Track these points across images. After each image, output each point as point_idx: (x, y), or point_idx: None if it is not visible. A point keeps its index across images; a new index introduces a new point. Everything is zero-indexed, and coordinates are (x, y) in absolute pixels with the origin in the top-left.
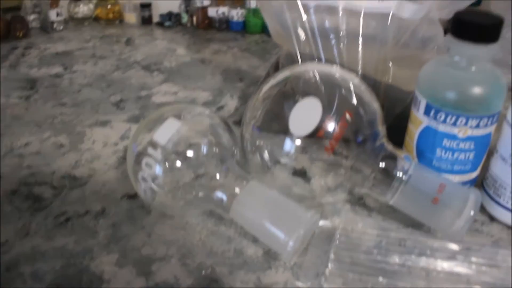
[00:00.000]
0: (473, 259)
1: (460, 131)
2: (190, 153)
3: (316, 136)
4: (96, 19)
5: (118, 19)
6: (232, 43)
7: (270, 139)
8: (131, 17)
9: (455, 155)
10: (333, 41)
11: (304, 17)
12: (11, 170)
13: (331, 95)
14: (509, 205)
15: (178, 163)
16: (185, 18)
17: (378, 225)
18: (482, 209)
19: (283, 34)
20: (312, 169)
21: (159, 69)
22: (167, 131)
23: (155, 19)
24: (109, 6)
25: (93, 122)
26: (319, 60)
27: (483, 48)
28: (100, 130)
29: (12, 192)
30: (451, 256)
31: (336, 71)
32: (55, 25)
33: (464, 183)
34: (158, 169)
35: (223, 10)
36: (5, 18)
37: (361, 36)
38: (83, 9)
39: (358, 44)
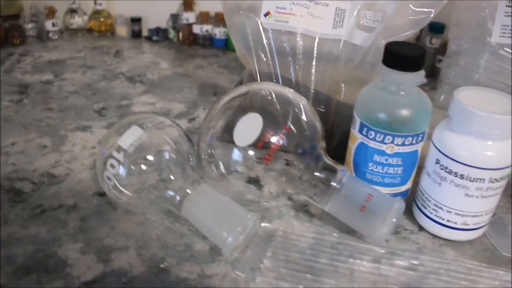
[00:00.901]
0: (395, 262)
1: (388, 148)
2: (150, 157)
3: (256, 146)
4: (90, 30)
5: (110, 31)
6: (213, 59)
7: (225, 150)
8: (122, 30)
9: (385, 169)
10: (290, 61)
11: (264, 38)
12: None
13: (279, 111)
14: (433, 216)
15: (139, 166)
16: (171, 33)
17: (316, 230)
18: (413, 219)
19: (246, 54)
20: (265, 177)
21: (141, 81)
22: (130, 137)
23: (145, 33)
24: (102, 19)
25: (75, 127)
26: (276, 77)
27: (409, 75)
28: (80, 134)
29: None
30: (376, 259)
31: (288, 91)
32: (50, 35)
33: (395, 195)
34: (120, 170)
35: (207, 27)
36: (3, 25)
37: (315, 58)
38: (77, 21)
39: (312, 65)
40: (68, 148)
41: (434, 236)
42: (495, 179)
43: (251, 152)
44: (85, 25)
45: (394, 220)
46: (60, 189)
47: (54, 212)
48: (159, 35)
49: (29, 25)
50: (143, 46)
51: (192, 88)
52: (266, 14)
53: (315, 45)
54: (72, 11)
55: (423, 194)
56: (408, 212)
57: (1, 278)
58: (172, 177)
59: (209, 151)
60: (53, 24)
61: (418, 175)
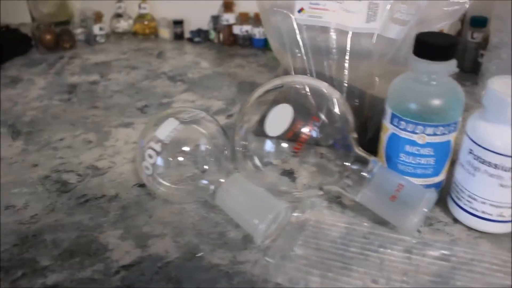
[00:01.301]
0: (427, 252)
1: (419, 138)
2: (186, 149)
3: (286, 136)
4: (134, 33)
5: (153, 34)
6: (252, 59)
7: (260, 143)
8: (165, 33)
9: (417, 160)
10: (324, 56)
11: (298, 35)
12: (46, 160)
13: (311, 103)
14: (467, 208)
15: (176, 157)
16: (212, 34)
17: (348, 221)
18: (447, 211)
19: (281, 51)
20: (299, 169)
21: (182, 80)
22: (166, 129)
23: (187, 35)
24: (146, 22)
25: (119, 123)
26: (311, 73)
27: (440, 65)
28: (123, 130)
29: (45, 177)
30: (407, 249)
31: (321, 84)
32: (97, 38)
33: (428, 186)
34: (158, 160)
35: (246, 28)
36: (55, 31)
37: (349, 52)
38: (123, 25)
39: (346, 60)
40: (112, 143)
41: (469, 228)
42: None
43: (284, 144)
44: (130, 29)
45: (425, 210)
46: (103, 181)
47: (96, 202)
48: (200, 36)
49: (79, 30)
50: (185, 47)
51: (231, 86)
52: (300, 10)
53: (349, 39)
54: (118, 16)
55: (457, 186)
56: (443, 204)
57: (47, 260)
58: (207, 168)
59: (243, 144)
60: (100, 28)
61: (453, 166)
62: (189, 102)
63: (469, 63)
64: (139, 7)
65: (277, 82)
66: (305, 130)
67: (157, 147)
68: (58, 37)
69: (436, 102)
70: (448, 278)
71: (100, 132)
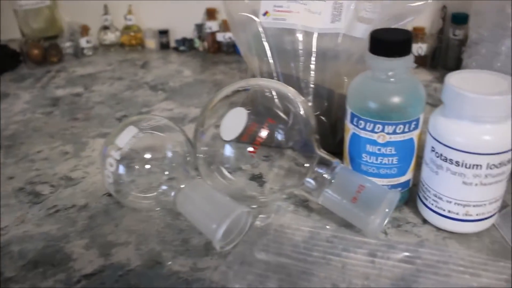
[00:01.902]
0: (391, 255)
1: (379, 137)
2: (147, 156)
3: (241, 140)
4: (122, 45)
5: (140, 45)
6: (235, 65)
7: (219, 146)
8: (151, 43)
9: (379, 159)
10: (290, 59)
11: (264, 38)
12: (22, 172)
13: (267, 106)
14: (434, 207)
15: (136, 165)
16: (197, 43)
17: (312, 224)
18: (417, 212)
19: (248, 55)
20: (268, 174)
21: (163, 89)
22: (126, 136)
23: (172, 44)
24: (132, 33)
25: (97, 134)
26: (278, 75)
27: (397, 61)
28: (100, 140)
29: (19, 189)
30: (371, 252)
31: (286, 88)
32: (85, 51)
33: (394, 187)
34: (119, 169)
35: (229, 35)
36: (42, 45)
37: (315, 53)
38: (110, 37)
39: (312, 61)
40: (88, 154)
41: (438, 229)
42: (494, 165)
43: (241, 147)
44: (118, 40)
45: (387, 210)
46: (75, 191)
47: (66, 212)
48: (185, 45)
49: (67, 44)
50: (170, 56)
51: (210, 93)
52: (265, 14)
53: (314, 40)
54: (105, 28)
55: (423, 185)
56: (413, 205)
57: (11, 271)
58: (169, 175)
59: (204, 149)
60: (87, 41)
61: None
62: (167, 110)
63: (452, 61)
64: (125, 18)
65: (241, 84)
66: (260, 132)
67: (117, 155)
68: (46, 51)
69: (395, 99)
70: (411, 282)
71: (77, 143)
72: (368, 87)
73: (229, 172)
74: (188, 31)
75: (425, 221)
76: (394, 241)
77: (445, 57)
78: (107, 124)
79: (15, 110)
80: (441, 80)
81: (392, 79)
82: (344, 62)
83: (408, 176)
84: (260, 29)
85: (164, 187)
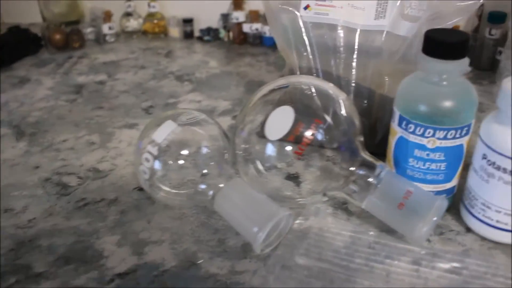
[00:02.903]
0: (437, 264)
1: (429, 142)
2: (184, 152)
3: (287, 140)
4: (144, 33)
5: (163, 33)
6: (262, 58)
7: (260, 144)
8: (175, 32)
9: (426, 165)
10: (330, 55)
11: (304, 32)
12: (48, 162)
13: (314, 105)
14: (480, 216)
15: (174, 160)
16: (222, 33)
17: (353, 229)
18: (460, 220)
19: (286, 50)
20: (305, 174)
21: (189, 80)
22: (163, 132)
23: (196, 33)
24: (155, 21)
25: (123, 124)
26: (317, 72)
27: (452, 64)
28: (127, 131)
29: (46, 180)
30: (416, 260)
31: (327, 85)
32: (107, 38)
33: (439, 193)
34: (155, 164)
35: (256, 26)
36: (64, 30)
37: (357, 51)
38: (133, 24)
39: (354, 58)
40: (114, 145)
41: (483, 238)
42: None
43: (286, 148)
44: (140, 28)
45: (435, 219)
46: (103, 184)
47: (95, 206)
48: (210, 35)
49: (89, 30)
50: (194, 46)
51: (238, 86)
52: (306, 7)
53: (357, 37)
54: (128, 15)
55: (470, 193)
56: (455, 212)
57: (42, 267)
58: (206, 172)
59: (244, 146)
60: (110, 28)
61: (466, 171)
62: (195, 102)
63: (486, 61)
64: (149, 5)
65: (281, 81)
66: (307, 133)
67: (154, 150)
68: (68, 36)
69: (447, 103)
70: None
71: (103, 133)
72: (419, 89)
73: (265, 170)
74: (213, 21)
75: (468, 230)
76: (438, 249)
77: (479, 57)
78: (133, 114)
79: (37, 96)
80: (473, 81)
81: (444, 82)
82: (386, 61)
83: (454, 182)
84: (301, 23)
85: (202, 186)
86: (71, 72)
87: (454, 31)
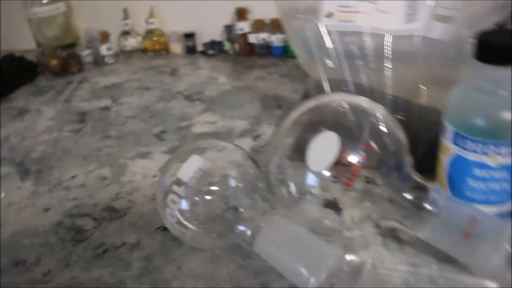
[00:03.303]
0: None
1: (491, 160)
2: (214, 188)
3: (333, 171)
4: (144, 51)
5: (164, 50)
6: (273, 69)
7: (296, 170)
8: (176, 48)
9: (489, 185)
10: (360, 65)
11: (328, 42)
12: (58, 202)
13: (354, 125)
14: None
15: (203, 197)
16: (227, 45)
17: (409, 260)
18: None
19: (309, 61)
20: (344, 199)
21: (200, 99)
22: (190, 168)
23: (199, 48)
24: (155, 38)
25: (135, 154)
26: (346, 84)
27: (509, 70)
28: (141, 162)
29: (58, 224)
30: None
31: (362, 100)
32: (106, 59)
33: (503, 215)
34: (183, 205)
35: (263, 36)
36: (61, 55)
37: (389, 58)
38: (131, 42)
39: (385, 67)
40: (129, 178)
41: None
42: None
43: (326, 173)
44: (139, 46)
45: (508, 247)
46: (122, 225)
47: (117, 251)
48: (214, 48)
49: (86, 52)
50: (198, 61)
51: (253, 102)
52: (328, 15)
53: (387, 43)
54: (126, 33)
55: None
56: None
57: None
58: (240, 208)
59: (279, 175)
60: (108, 49)
61: None
62: (209, 123)
63: None
64: (147, 22)
65: (312, 103)
66: (355, 161)
67: (181, 191)
68: (65, 61)
69: (508, 115)
70: None
71: (115, 165)
72: (474, 100)
73: (304, 199)
74: (216, 34)
75: None
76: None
77: None
78: (144, 142)
79: (39, 129)
80: None
81: (501, 91)
82: (421, 68)
83: None
84: (323, 33)
85: (241, 228)
86: (72, 99)
87: (510, 31)
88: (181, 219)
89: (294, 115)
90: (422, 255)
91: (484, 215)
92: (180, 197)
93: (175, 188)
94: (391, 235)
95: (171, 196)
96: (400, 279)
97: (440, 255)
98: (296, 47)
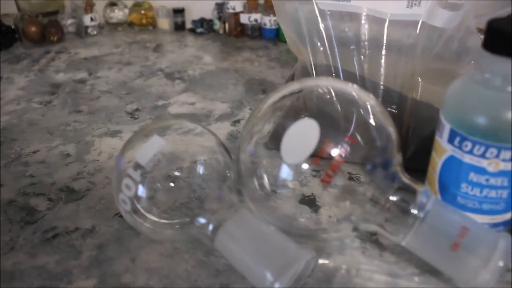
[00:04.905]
0: None
1: (491, 164)
2: (176, 173)
3: (311, 164)
4: (130, 24)
5: (151, 24)
6: (262, 52)
7: (271, 160)
8: (164, 23)
9: (484, 192)
10: (353, 50)
11: (321, 23)
12: (13, 179)
13: (340, 115)
14: None
15: (162, 184)
16: (217, 24)
17: (388, 269)
18: None
19: (298, 43)
20: (323, 196)
21: (181, 78)
22: (149, 151)
23: (188, 25)
24: (142, 12)
25: (104, 132)
26: (336, 71)
27: None
28: (109, 140)
29: (9, 202)
30: None
31: (351, 88)
32: (89, 30)
33: (496, 225)
34: (140, 191)
35: (255, 17)
36: (41, 22)
37: (385, 45)
38: (117, 15)
39: (381, 55)
40: (93, 157)
41: None
42: None
43: (305, 166)
44: (126, 19)
45: (501, 263)
46: (78, 208)
47: (67, 237)
48: (203, 26)
49: (68, 21)
50: (186, 39)
51: (237, 85)
52: None
53: (385, 29)
54: (112, 4)
55: None
56: None
57: None
58: (203, 199)
59: (251, 164)
60: (92, 19)
61: None
62: (187, 104)
63: None
64: None
65: (295, 86)
66: (337, 154)
67: (137, 175)
68: (45, 29)
69: None
70: None
71: (81, 142)
72: (478, 96)
73: (274, 191)
74: (207, 11)
75: None
76: None
77: None
78: (116, 120)
79: (7, 98)
80: None
81: (509, 88)
82: (420, 58)
83: None
84: (316, 12)
85: (202, 220)
86: (47, 69)
87: None
88: (138, 206)
89: (273, 97)
90: (403, 264)
91: (476, 225)
92: (136, 182)
93: (131, 171)
94: (371, 240)
95: (125, 181)
96: None
97: (424, 266)
98: (284, 26)
